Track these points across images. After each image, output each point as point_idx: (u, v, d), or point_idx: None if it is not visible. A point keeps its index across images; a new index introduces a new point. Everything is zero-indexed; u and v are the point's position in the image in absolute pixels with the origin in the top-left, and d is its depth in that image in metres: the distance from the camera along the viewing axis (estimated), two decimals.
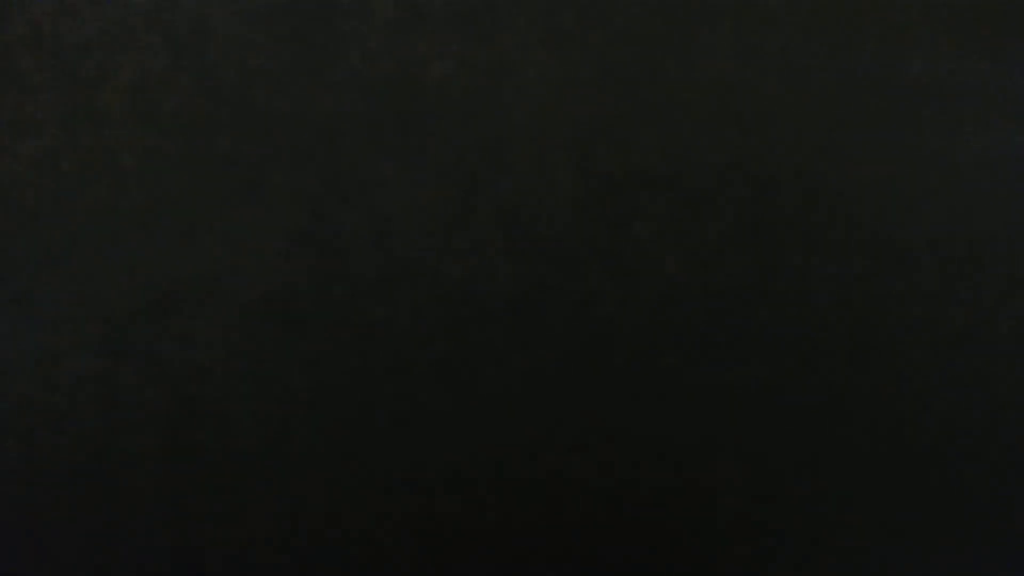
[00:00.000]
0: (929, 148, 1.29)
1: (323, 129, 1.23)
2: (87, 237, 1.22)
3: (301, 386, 1.25)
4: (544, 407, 1.27)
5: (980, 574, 1.33)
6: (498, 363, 1.26)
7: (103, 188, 1.22)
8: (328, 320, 1.24)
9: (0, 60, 1.19)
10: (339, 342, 1.25)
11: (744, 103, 1.28)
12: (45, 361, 1.22)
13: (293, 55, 1.23)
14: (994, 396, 1.32)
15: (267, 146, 1.23)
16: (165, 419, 1.24)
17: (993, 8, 1.29)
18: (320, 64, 1.23)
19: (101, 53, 1.21)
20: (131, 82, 1.21)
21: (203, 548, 1.25)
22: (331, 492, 1.26)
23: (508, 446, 1.27)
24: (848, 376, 1.30)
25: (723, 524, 1.30)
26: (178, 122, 1.22)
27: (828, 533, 1.32)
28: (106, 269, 1.22)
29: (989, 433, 1.33)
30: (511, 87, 1.25)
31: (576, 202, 1.26)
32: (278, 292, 1.24)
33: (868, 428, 1.31)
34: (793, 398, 1.30)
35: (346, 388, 1.25)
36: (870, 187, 1.29)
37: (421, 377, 1.26)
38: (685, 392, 1.28)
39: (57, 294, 1.22)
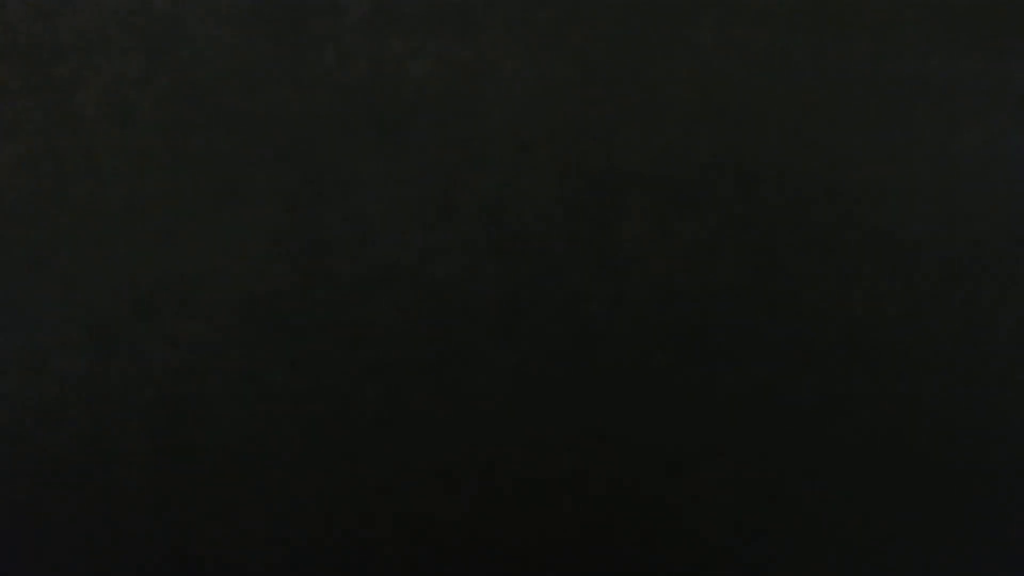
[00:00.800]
0: (922, 145, 1.26)
1: (301, 129, 1.23)
2: (69, 240, 1.22)
3: (286, 385, 1.25)
4: (531, 407, 1.27)
5: (980, 574, 1.31)
6: (483, 363, 1.26)
7: (83, 191, 1.22)
8: (312, 320, 1.24)
9: None
10: (323, 342, 1.25)
11: (731, 100, 1.25)
12: (31, 361, 1.23)
13: (268, 55, 1.22)
14: (992, 396, 1.29)
15: (245, 147, 1.22)
16: (151, 418, 1.25)
17: (988, 4, 1.24)
18: (296, 64, 1.22)
19: (77, 57, 1.21)
20: (107, 85, 1.21)
21: (190, 547, 1.26)
22: (317, 492, 1.27)
23: (495, 446, 1.27)
24: (841, 377, 1.28)
25: (715, 525, 1.29)
26: (155, 124, 1.22)
27: (824, 534, 1.30)
28: (89, 271, 1.23)
29: (989, 433, 1.30)
30: (491, 85, 1.23)
31: (560, 201, 1.24)
32: (261, 292, 1.24)
33: (862, 429, 1.29)
34: (785, 399, 1.28)
35: (331, 388, 1.25)
36: (862, 185, 1.26)
37: (406, 377, 1.25)
38: (674, 392, 1.27)
39: (42, 296, 1.23)
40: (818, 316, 1.27)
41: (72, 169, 1.22)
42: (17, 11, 1.20)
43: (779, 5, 1.24)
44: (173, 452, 1.25)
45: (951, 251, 1.27)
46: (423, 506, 1.27)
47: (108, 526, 1.26)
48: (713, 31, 1.24)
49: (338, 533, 1.27)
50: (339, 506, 1.27)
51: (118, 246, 1.23)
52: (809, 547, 1.30)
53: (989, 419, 1.29)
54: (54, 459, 1.25)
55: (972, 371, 1.28)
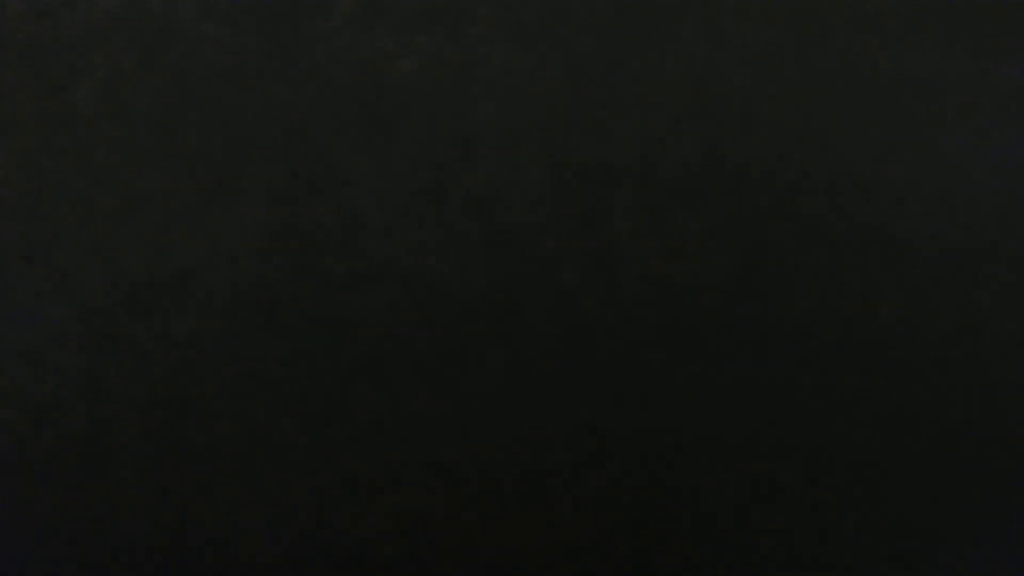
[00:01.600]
0: (916, 144, 1.25)
1: (292, 126, 1.24)
2: (65, 235, 1.24)
3: (281, 381, 1.26)
4: (524, 403, 1.27)
5: (980, 574, 1.29)
6: (475, 358, 1.26)
7: (79, 187, 1.24)
8: (304, 315, 1.25)
9: None
10: (315, 337, 1.25)
11: (724, 94, 1.25)
12: (27, 358, 1.25)
13: (259, 53, 1.23)
14: (990, 398, 1.27)
15: (238, 143, 1.24)
16: (147, 414, 1.26)
17: (986, 4, 1.23)
18: (286, 62, 1.23)
19: (73, 54, 1.23)
20: (103, 82, 1.23)
21: (187, 543, 1.27)
22: (312, 488, 1.27)
23: (487, 443, 1.27)
24: (837, 374, 1.27)
25: (709, 524, 1.28)
26: (150, 120, 1.23)
27: (823, 532, 1.29)
28: (85, 266, 1.24)
29: (989, 434, 1.28)
30: (480, 81, 1.24)
31: (551, 196, 1.25)
32: (254, 288, 1.25)
33: (859, 428, 1.28)
34: (780, 397, 1.27)
35: (323, 383, 1.26)
36: (855, 182, 1.25)
37: (398, 372, 1.26)
38: (668, 389, 1.27)
39: (37, 293, 1.24)
40: (812, 313, 1.26)
41: (67, 166, 1.23)
42: (13, 9, 1.22)
43: (772, 1, 1.24)
44: (169, 449, 1.26)
45: (946, 249, 1.26)
46: (416, 504, 1.27)
47: (104, 523, 1.27)
48: (705, 27, 1.24)
49: (332, 530, 1.28)
50: (333, 503, 1.27)
51: (113, 243, 1.24)
52: (808, 545, 1.29)
53: (989, 420, 1.28)
54: (50, 456, 1.26)
55: (968, 371, 1.27)
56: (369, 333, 1.25)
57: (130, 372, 1.25)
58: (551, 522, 1.28)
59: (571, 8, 1.23)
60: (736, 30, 1.24)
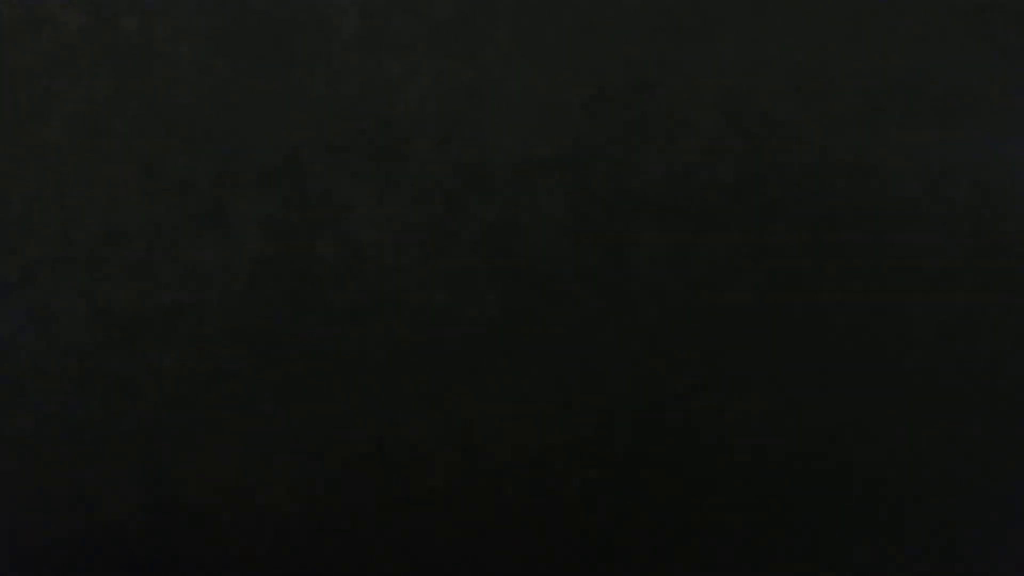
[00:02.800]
0: (960, 160, 1.18)
1: (288, 153, 1.13)
2: (41, 269, 1.14)
3: (277, 417, 1.18)
4: (537, 440, 1.20)
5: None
6: (485, 395, 1.19)
7: (56, 220, 1.13)
8: (303, 350, 1.17)
9: None
10: (314, 373, 1.17)
11: (760, 119, 1.16)
12: (7, 394, 1.16)
13: (250, 76, 1.12)
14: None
15: (226, 173, 1.13)
16: (134, 451, 1.18)
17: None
18: (282, 85, 1.12)
19: (44, 80, 1.10)
20: (75, 110, 1.11)
21: None
22: (312, 524, 1.21)
23: (497, 482, 1.21)
24: (868, 404, 1.22)
25: (726, 555, 1.25)
26: (128, 150, 1.12)
27: (827, 540, 1.26)
28: (63, 300, 1.14)
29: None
30: (493, 107, 1.13)
31: (568, 228, 1.16)
32: (246, 322, 1.16)
33: (888, 458, 1.24)
34: (807, 429, 1.22)
35: (324, 420, 1.19)
36: (893, 205, 1.18)
37: (403, 410, 1.19)
38: (690, 425, 1.21)
39: (16, 327, 1.15)
40: (848, 346, 1.20)
41: (41, 199, 1.12)
42: None
43: (806, 22, 1.15)
44: (158, 487, 1.19)
45: (989, 273, 1.20)
46: (421, 538, 1.22)
47: (90, 566, 1.20)
48: (739, 50, 1.14)
49: (334, 565, 1.22)
50: (335, 537, 1.22)
51: (92, 277, 1.14)
52: (805, 550, 1.26)
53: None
54: (31, 495, 1.18)
55: (985, 402, 1.23)
56: (372, 369, 1.18)
57: (113, 409, 1.17)
58: (559, 553, 1.24)
59: (596, 31, 1.13)
60: (772, 54, 1.15)
